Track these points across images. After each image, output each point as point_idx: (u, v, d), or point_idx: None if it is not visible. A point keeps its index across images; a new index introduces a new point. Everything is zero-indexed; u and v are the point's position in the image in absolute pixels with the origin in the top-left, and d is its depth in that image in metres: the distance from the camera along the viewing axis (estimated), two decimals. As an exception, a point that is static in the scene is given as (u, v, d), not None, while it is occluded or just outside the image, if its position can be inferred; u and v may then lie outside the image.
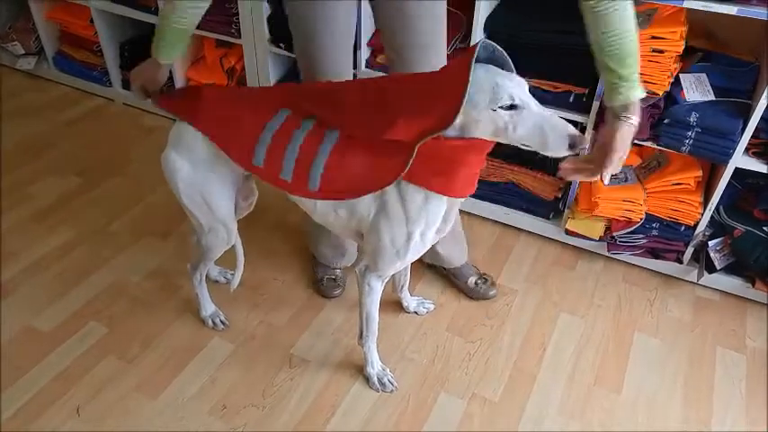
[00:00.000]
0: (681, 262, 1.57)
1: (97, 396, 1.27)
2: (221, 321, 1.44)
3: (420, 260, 1.29)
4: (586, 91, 1.49)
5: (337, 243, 1.50)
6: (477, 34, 1.52)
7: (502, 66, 0.91)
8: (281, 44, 1.79)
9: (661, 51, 1.32)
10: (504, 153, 1.66)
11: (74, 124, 2.20)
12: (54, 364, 1.33)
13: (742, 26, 1.32)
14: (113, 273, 1.58)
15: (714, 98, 1.38)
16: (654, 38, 1.31)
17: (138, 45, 2.19)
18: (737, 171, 1.39)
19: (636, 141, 1.44)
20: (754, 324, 1.50)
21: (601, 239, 1.62)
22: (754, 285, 1.52)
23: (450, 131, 0.91)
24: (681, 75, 1.41)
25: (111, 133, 2.16)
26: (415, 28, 1.14)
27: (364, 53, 1.68)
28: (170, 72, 2.35)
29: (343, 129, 1.01)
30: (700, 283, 1.57)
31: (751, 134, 1.33)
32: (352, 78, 1.25)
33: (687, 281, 1.60)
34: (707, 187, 1.52)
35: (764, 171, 1.37)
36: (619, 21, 0.85)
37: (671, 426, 1.26)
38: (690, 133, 1.38)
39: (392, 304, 1.50)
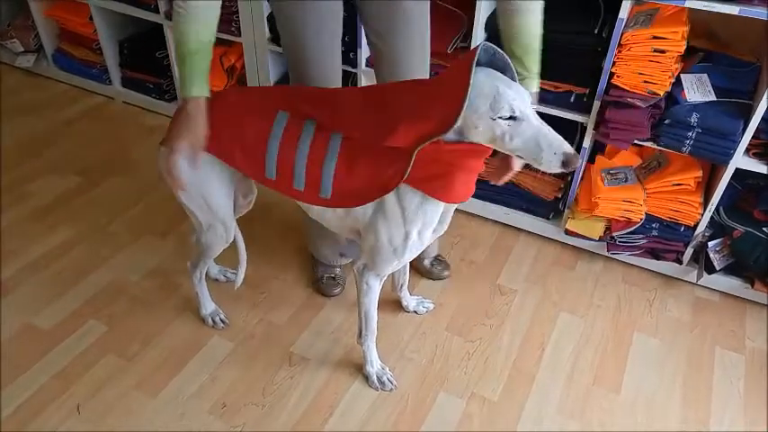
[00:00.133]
0: (680, 262, 1.58)
1: (97, 394, 1.28)
2: (221, 320, 1.44)
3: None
4: (587, 91, 1.49)
5: (335, 241, 1.50)
6: (478, 34, 1.51)
7: (503, 70, 0.91)
8: (280, 43, 1.78)
9: (662, 51, 1.32)
10: (505, 153, 1.66)
11: (73, 123, 2.19)
12: (54, 362, 1.33)
13: (744, 26, 1.32)
14: (113, 271, 1.58)
15: (715, 98, 1.38)
16: (655, 38, 1.31)
17: (137, 43, 2.19)
18: (738, 172, 1.39)
19: (636, 141, 1.44)
20: (754, 324, 1.50)
21: (600, 240, 1.62)
22: (753, 286, 1.52)
23: (450, 135, 0.91)
24: (682, 75, 1.41)
25: (110, 132, 2.15)
26: (403, 21, 1.15)
27: (364, 52, 1.68)
28: (169, 71, 2.33)
29: (343, 131, 1.01)
30: (699, 283, 1.57)
31: (752, 135, 1.33)
32: (340, 76, 1.25)
33: (686, 281, 1.61)
34: (707, 188, 1.52)
35: (765, 172, 1.37)
36: (533, 16, 0.98)
37: (670, 425, 1.27)
38: (690, 134, 1.38)
39: (391, 303, 1.50)
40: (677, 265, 1.58)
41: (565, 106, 1.51)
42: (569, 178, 1.63)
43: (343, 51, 1.24)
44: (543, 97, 1.52)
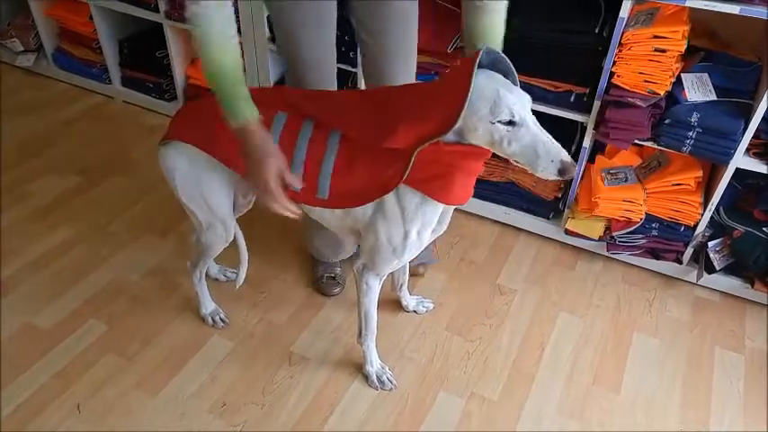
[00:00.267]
0: (680, 262, 1.57)
1: (97, 394, 1.28)
2: (221, 319, 1.44)
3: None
4: (587, 90, 1.49)
5: (334, 239, 1.50)
6: (478, 33, 1.51)
7: (505, 73, 0.91)
8: (276, 43, 1.78)
9: (663, 51, 1.31)
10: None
11: (73, 122, 2.19)
12: (54, 361, 1.33)
13: (744, 26, 1.32)
14: (113, 271, 1.58)
15: (716, 98, 1.38)
16: (656, 37, 1.30)
17: (137, 42, 2.19)
18: (738, 171, 1.39)
19: (636, 141, 1.44)
20: (753, 324, 1.50)
21: (600, 239, 1.62)
22: (753, 286, 1.52)
23: (449, 136, 0.91)
24: (682, 74, 1.41)
25: (110, 131, 2.15)
26: (395, 21, 1.16)
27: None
28: (169, 71, 2.33)
29: (342, 130, 1.00)
30: (699, 283, 1.57)
31: (752, 134, 1.33)
32: (336, 75, 1.25)
33: (686, 281, 1.61)
34: (707, 187, 1.52)
35: (765, 172, 1.37)
36: (499, 15, 0.98)
37: (669, 425, 1.27)
38: (691, 133, 1.38)
39: (391, 303, 1.50)
40: (677, 264, 1.58)
41: (565, 106, 1.51)
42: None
43: (342, 51, 1.24)
44: (543, 97, 1.52)
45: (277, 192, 0.95)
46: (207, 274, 1.49)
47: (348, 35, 1.56)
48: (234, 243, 1.31)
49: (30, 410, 1.24)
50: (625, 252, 1.61)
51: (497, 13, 0.99)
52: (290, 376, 1.33)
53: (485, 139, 0.90)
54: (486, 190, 1.72)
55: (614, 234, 1.58)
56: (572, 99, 1.50)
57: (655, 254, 1.59)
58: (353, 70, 1.71)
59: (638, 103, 1.37)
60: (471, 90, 0.84)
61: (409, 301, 1.48)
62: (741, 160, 1.37)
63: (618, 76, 1.37)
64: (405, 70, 1.23)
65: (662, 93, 1.36)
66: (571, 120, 1.53)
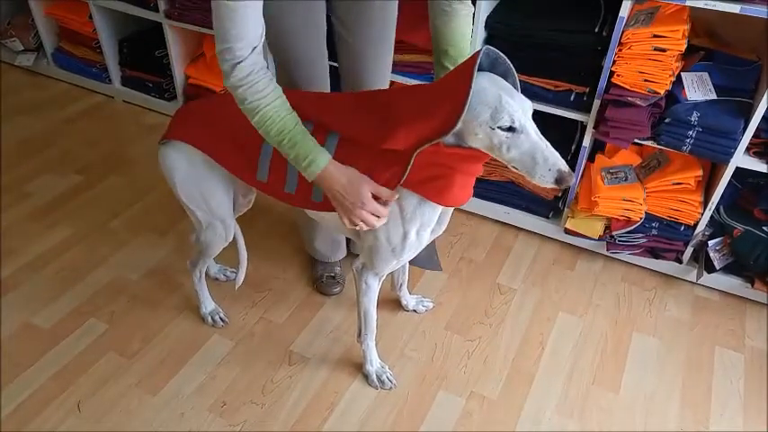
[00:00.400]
0: (680, 262, 1.57)
1: (97, 393, 1.28)
2: (221, 318, 1.44)
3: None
4: (587, 90, 1.48)
5: (331, 237, 1.50)
6: (478, 32, 1.51)
7: (504, 74, 0.91)
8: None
9: (663, 50, 1.31)
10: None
11: (73, 121, 2.19)
12: (54, 361, 1.34)
13: (744, 25, 1.32)
14: (113, 270, 1.58)
15: (716, 97, 1.38)
16: (655, 36, 1.30)
17: (137, 42, 2.19)
18: (738, 170, 1.39)
19: (636, 140, 1.44)
20: (753, 324, 1.50)
21: (600, 239, 1.62)
22: (753, 285, 1.51)
23: (449, 139, 0.91)
24: (682, 73, 1.41)
25: (110, 131, 2.15)
26: (371, 15, 1.17)
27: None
28: (169, 70, 2.33)
29: (341, 131, 1.00)
30: (699, 282, 1.57)
31: (752, 134, 1.33)
32: (328, 73, 1.26)
33: (686, 280, 1.60)
34: (707, 187, 1.52)
35: (765, 171, 1.37)
36: (466, 20, 1.01)
37: (669, 425, 1.27)
38: (691, 132, 1.37)
39: (391, 302, 1.50)
40: (677, 264, 1.58)
41: (565, 105, 1.51)
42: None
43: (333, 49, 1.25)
44: (543, 96, 1.52)
45: (374, 207, 0.96)
46: (207, 274, 1.49)
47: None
48: (234, 242, 1.31)
49: (30, 410, 1.24)
50: (625, 251, 1.61)
51: (465, 18, 1.00)
52: (289, 376, 1.33)
53: (484, 143, 0.90)
54: (486, 189, 1.72)
55: (614, 233, 1.58)
56: (572, 98, 1.50)
57: (654, 253, 1.59)
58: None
59: (638, 102, 1.37)
60: (472, 93, 0.84)
61: (409, 300, 1.49)
62: (741, 159, 1.37)
63: (618, 75, 1.37)
64: (381, 66, 1.25)
65: (662, 92, 1.36)
66: (571, 119, 1.53)
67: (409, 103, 0.94)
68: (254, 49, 0.88)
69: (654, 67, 1.33)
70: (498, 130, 0.87)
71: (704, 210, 1.48)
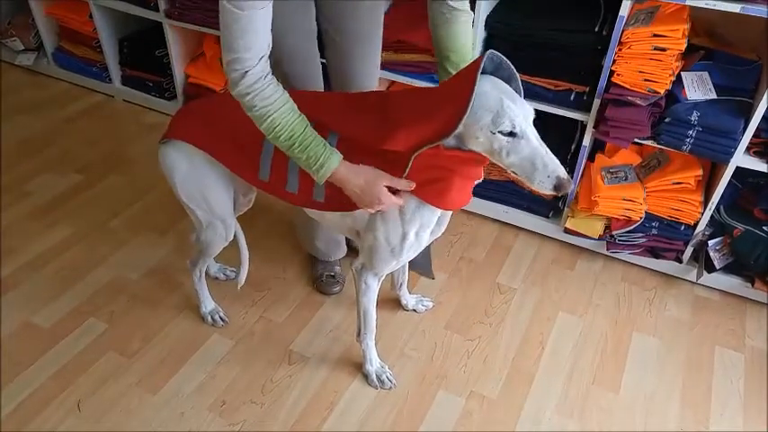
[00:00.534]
0: (680, 261, 1.57)
1: (97, 392, 1.28)
2: (221, 318, 1.44)
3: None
4: (587, 89, 1.48)
5: (333, 238, 1.50)
6: (478, 32, 1.51)
7: (508, 79, 0.91)
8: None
9: (663, 49, 1.31)
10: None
11: (73, 121, 2.19)
12: (54, 360, 1.34)
13: (745, 24, 1.31)
14: (113, 269, 1.58)
15: (716, 97, 1.38)
16: (655, 36, 1.30)
17: (137, 41, 2.19)
18: (738, 170, 1.39)
19: (636, 140, 1.44)
20: (754, 323, 1.50)
21: (600, 238, 1.62)
22: (753, 285, 1.51)
23: (450, 141, 0.91)
24: (682, 73, 1.41)
25: (110, 130, 2.15)
26: (356, 11, 1.18)
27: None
28: (169, 69, 2.32)
29: (341, 131, 1.00)
30: (699, 282, 1.57)
31: (752, 133, 1.33)
32: (320, 72, 1.26)
33: (686, 280, 1.60)
34: (707, 186, 1.52)
35: (765, 170, 1.37)
36: (466, 26, 1.02)
37: (669, 425, 1.26)
38: (691, 132, 1.37)
39: (391, 302, 1.50)
40: (677, 263, 1.58)
41: (565, 104, 1.51)
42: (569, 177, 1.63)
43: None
44: (543, 95, 1.52)
45: (391, 201, 0.98)
46: (207, 273, 1.49)
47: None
48: (234, 242, 1.31)
49: (30, 409, 1.24)
50: (625, 251, 1.61)
51: (465, 24, 1.01)
52: (289, 375, 1.33)
53: (484, 147, 0.90)
54: (485, 188, 1.72)
55: (614, 233, 1.58)
56: (572, 98, 1.50)
57: (655, 253, 1.58)
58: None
59: (638, 101, 1.37)
60: (474, 96, 0.84)
61: (409, 299, 1.48)
62: (741, 159, 1.37)
63: (618, 74, 1.37)
64: (369, 65, 1.25)
65: (662, 91, 1.36)
66: (571, 118, 1.53)
67: (411, 104, 0.95)
68: (261, 58, 0.88)
69: (654, 66, 1.33)
70: (499, 135, 0.87)
71: (704, 209, 1.48)
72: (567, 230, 1.66)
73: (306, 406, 1.27)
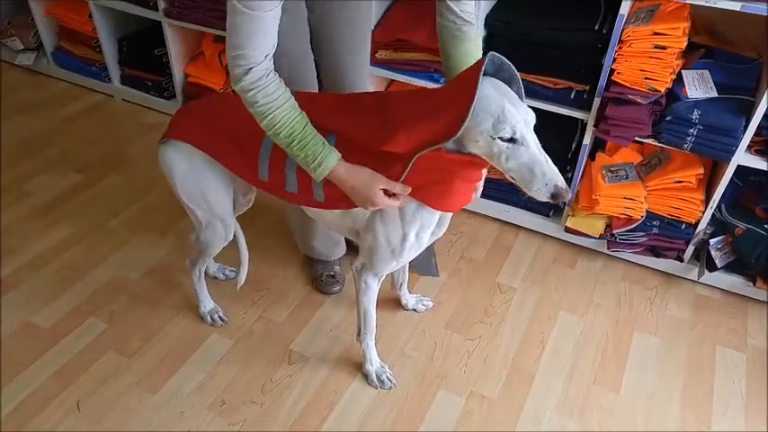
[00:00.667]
0: (681, 260, 1.57)
1: (97, 392, 1.28)
2: (220, 317, 1.44)
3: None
4: (587, 87, 1.48)
5: (327, 235, 1.50)
6: (478, 31, 1.50)
7: (509, 81, 0.90)
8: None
9: (663, 48, 1.31)
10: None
11: (73, 120, 2.19)
12: (53, 360, 1.34)
13: (745, 22, 1.31)
14: (112, 269, 1.58)
15: (717, 95, 1.37)
16: (656, 34, 1.30)
17: (136, 41, 2.18)
18: (739, 169, 1.38)
19: (637, 138, 1.43)
20: (755, 322, 1.49)
21: (601, 237, 1.61)
22: (754, 284, 1.51)
23: (450, 145, 0.91)
24: (683, 71, 1.40)
25: (110, 129, 2.15)
26: (348, 20, 1.19)
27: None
28: (168, 69, 2.32)
29: (340, 132, 1.00)
30: (700, 281, 1.56)
31: (753, 131, 1.32)
32: (315, 74, 1.26)
33: (687, 279, 1.60)
34: (708, 185, 1.51)
35: (766, 169, 1.36)
36: (475, 42, 1.02)
37: (670, 425, 1.26)
38: (692, 130, 1.37)
39: (391, 301, 1.49)
40: (678, 262, 1.58)
41: (565, 103, 1.51)
42: (570, 176, 1.62)
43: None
44: (543, 94, 1.51)
45: (385, 203, 0.98)
46: (206, 273, 1.49)
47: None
48: (233, 242, 1.31)
49: (30, 409, 1.24)
50: (626, 250, 1.60)
51: (474, 41, 1.01)
52: (289, 375, 1.33)
53: (484, 150, 0.90)
54: (486, 187, 1.71)
55: (615, 232, 1.57)
56: (572, 96, 1.49)
57: (655, 252, 1.58)
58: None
59: (639, 100, 1.37)
60: (477, 101, 0.84)
61: (409, 299, 1.48)
62: (742, 157, 1.37)
63: (618, 72, 1.37)
64: (359, 64, 1.26)
65: (662, 90, 1.35)
66: (572, 117, 1.52)
67: (412, 105, 0.94)
68: (266, 56, 0.88)
69: (654, 64, 1.32)
70: (499, 140, 0.87)
71: (705, 208, 1.47)
72: (567, 229, 1.66)
73: (306, 406, 1.27)
